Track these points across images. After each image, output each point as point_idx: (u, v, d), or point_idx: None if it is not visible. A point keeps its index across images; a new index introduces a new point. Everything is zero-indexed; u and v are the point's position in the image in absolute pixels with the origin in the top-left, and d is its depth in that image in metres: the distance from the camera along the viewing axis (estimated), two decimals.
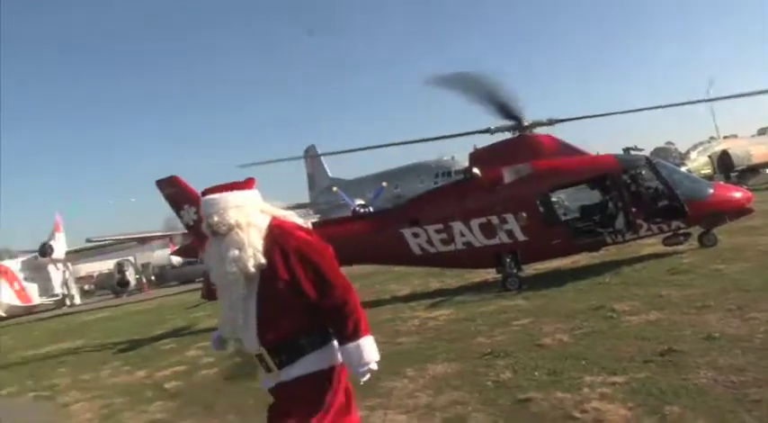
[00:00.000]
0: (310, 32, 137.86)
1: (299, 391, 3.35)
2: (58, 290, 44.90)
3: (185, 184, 15.23)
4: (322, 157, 57.68)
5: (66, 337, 19.97)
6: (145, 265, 50.05)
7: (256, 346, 3.38)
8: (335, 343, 3.43)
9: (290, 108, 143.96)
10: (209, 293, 15.89)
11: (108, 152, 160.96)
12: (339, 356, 3.43)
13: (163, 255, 48.59)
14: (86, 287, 57.49)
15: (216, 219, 3.38)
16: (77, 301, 45.12)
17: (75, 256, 45.07)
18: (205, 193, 3.49)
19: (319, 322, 3.41)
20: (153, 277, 50.15)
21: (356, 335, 3.33)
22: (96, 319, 25.89)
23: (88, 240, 33.75)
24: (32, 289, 43.33)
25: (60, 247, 43.52)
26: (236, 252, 3.32)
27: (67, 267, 45.50)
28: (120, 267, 48.04)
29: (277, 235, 3.39)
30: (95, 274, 63.50)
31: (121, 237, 38.05)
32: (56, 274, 44.87)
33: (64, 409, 9.01)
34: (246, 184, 3.57)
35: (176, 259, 44.40)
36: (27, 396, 10.67)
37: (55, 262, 43.53)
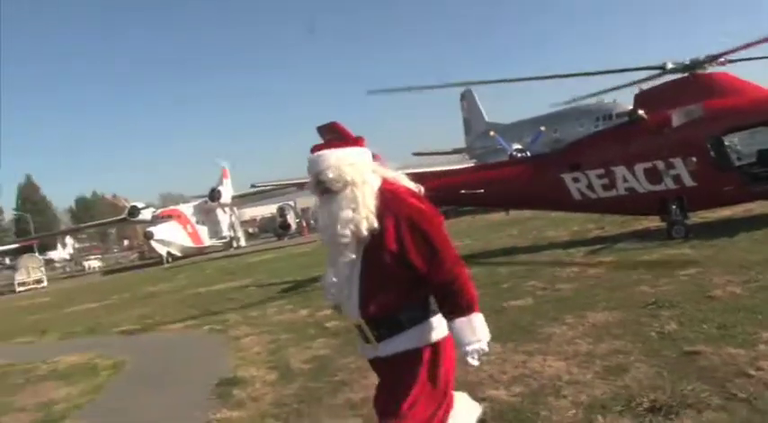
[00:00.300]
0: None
1: (395, 367, 3.24)
2: (226, 232, 48.03)
3: (345, 130, 15.52)
4: (479, 102, 56.95)
5: (234, 277, 21.41)
6: (304, 210, 51.96)
7: (356, 317, 3.25)
8: (437, 320, 3.26)
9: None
10: None
11: (269, 98, 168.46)
12: (440, 334, 3.26)
13: None
14: (250, 230, 60.98)
15: (330, 175, 3.16)
16: (243, 243, 48.07)
17: (240, 200, 47.76)
18: (313, 149, 3.28)
19: (422, 297, 3.25)
20: (312, 221, 52.24)
21: (466, 310, 3.15)
22: (261, 261, 27.41)
23: (253, 186, 35.39)
24: (203, 231, 46.62)
25: (227, 192, 46.31)
26: (350, 212, 3.13)
27: (234, 211, 48.44)
28: (281, 211, 50.28)
29: (389, 199, 3.18)
30: (258, 218, 67.26)
31: (283, 182, 39.61)
32: (223, 218, 47.91)
33: (235, 341, 9.66)
34: (358, 140, 3.38)
35: None
36: (203, 329, 11.53)
37: (222, 206, 46.45)
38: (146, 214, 46.11)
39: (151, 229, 42.56)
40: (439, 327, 3.25)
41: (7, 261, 59.33)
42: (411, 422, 3.14)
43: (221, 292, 17.20)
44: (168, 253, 42.31)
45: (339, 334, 8.74)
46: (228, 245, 46.69)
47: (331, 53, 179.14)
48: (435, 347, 3.24)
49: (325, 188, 3.21)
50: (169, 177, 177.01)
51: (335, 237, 3.16)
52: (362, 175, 3.19)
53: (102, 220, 63.88)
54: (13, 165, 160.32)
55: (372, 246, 3.13)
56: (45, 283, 40.44)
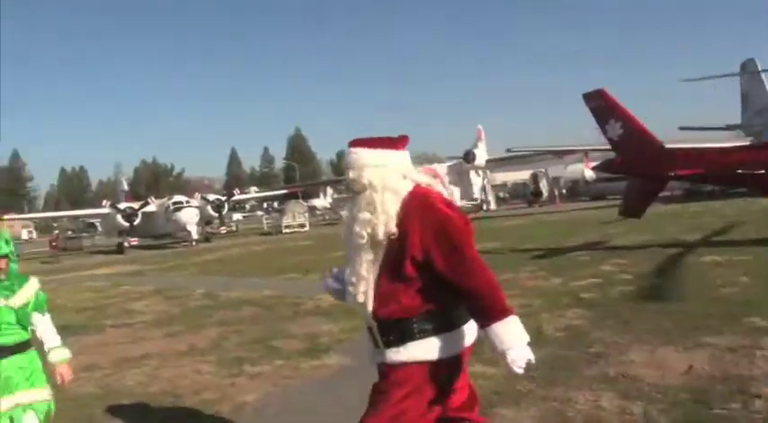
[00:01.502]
0: None
1: (400, 378, 3.05)
2: (477, 194, 48.47)
3: (612, 99, 14.87)
4: (763, 74, 51.07)
5: (485, 239, 21.63)
6: (556, 178, 50.90)
7: (369, 319, 3.13)
8: (454, 334, 3.10)
9: None
10: (628, 210, 15.70)
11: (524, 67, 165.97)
12: (454, 349, 3.09)
13: (575, 169, 48.80)
14: (501, 194, 60.98)
15: (351, 175, 3.14)
16: (493, 206, 48.25)
17: (494, 164, 47.83)
18: (351, 144, 3.22)
19: (441, 306, 3.08)
20: (564, 191, 50.98)
21: (501, 314, 2.97)
22: (510, 226, 27.42)
23: (508, 150, 35.32)
24: (455, 192, 47.54)
25: (482, 155, 46.61)
26: (368, 215, 3.05)
27: (486, 174, 48.70)
28: (534, 178, 49.63)
29: (417, 205, 3.05)
30: (509, 183, 67.13)
31: (539, 149, 39.06)
32: (476, 180, 48.21)
33: None
34: (395, 142, 3.23)
35: (589, 174, 44.26)
36: None
37: (476, 168, 46.79)
38: None
39: None
40: (451, 345, 3.09)
41: (275, 205, 65.62)
42: None
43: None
44: None
45: (595, 306, 8.48)
46: (478, 207, 47.11)
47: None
48: (449, 364, 3.09)
49: (349, 187, 3.21)
50: (424, 137, 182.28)
51: (353, 236, 3.11)
52: (385, 179, 3.08)
53: None
54: (285, 117, 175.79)
55: (393, 250, 3.03)
56: (307, 228, 44.14)
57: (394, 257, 3.00)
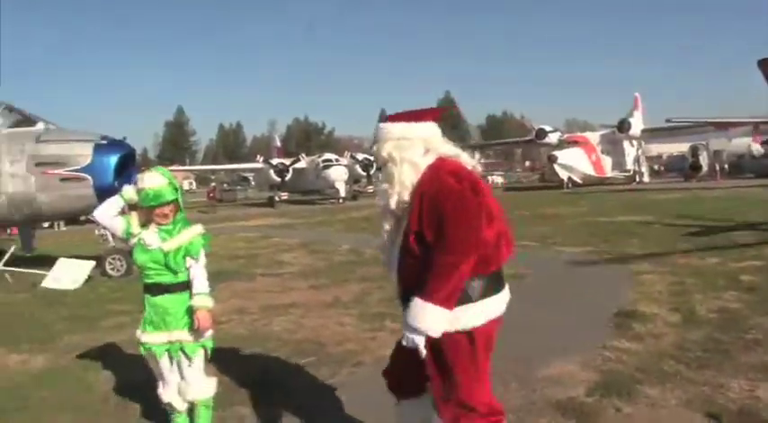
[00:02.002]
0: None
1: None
2: (630, 166, 46.53)
3: None
4: None
5: (635, 211, 20.78)
6: (718, 152, 47.65)
7: (395, 287, 3.23)
8: (469, 306, 3.06)
9: None
10: None
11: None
12: (471, 321, 3.07)
13: (741, 143, 45.44)
14: (655, 167, 58.16)
15: (374, 149, 3.26)
16: (646, 178, 46.21)
17: (650, 134, 45.68)
18: (381, 119, 3.31)
19: None
20: (725, 166, 47.71)
21: (431, 296, 2.92)
22: (665, 199, 26.12)
23: (668, 120, 33.46)
24: (607, 162, 45.84)
25: (637, 125, 44.58)
26: (386, 186, 3.18)
27: (641, 145, 46.51)
28: (694, 151, 46.74)
29: (426, 177, 3.08)
30: (665, 156, 63.83)
31: (700, 120, 36.64)
32: (630, 151, 46.35)
33: (636, 276, 9.41)
34: (421, 114, 3.25)
35: (756, 149, 41.23)
36: (602, 258, 11.50)
37: (630, 138, 44.92)
38: (552, 138, 46.98)
39: (556, 152, 43.32)
40: (462, 317, 3.05)
41: None
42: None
43: (622, 225, 16.85)
44: (569, 178, 42.75)
45: (755, 289, 7.95)
46: (631, 179, 45.37)
47: None
48: (464, 336, 3.08)
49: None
50: (576, 104, 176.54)
51: (378, 206, 3.26)
52: (403, 151, 3.13)
53: (509, 138, 66.90)
54: (434, 79, 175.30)
55: (407, 223, 3.10)
56: None
57: (406, 228, 3.09)
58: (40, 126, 11.77)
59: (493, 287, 3.14)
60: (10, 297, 10.24)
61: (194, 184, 78.04)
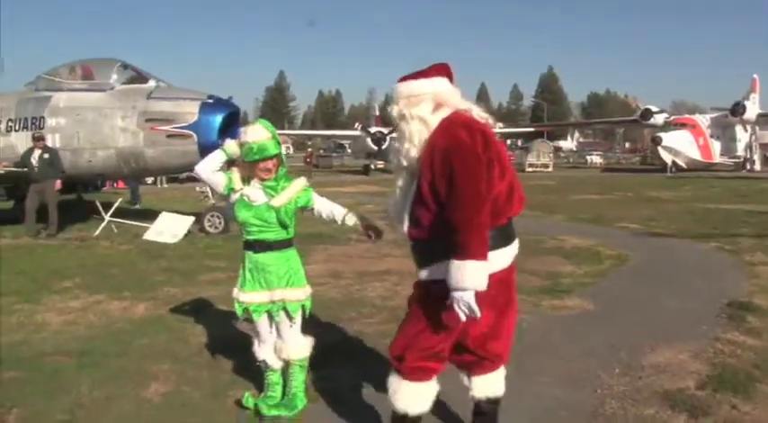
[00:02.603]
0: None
1: (425, 294, 3.23)
2: (740, 152, 44.21)
3: None
4: None
5: (746, 199, 19.71)
6: None
7: (407, 240, 3.30)
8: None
9: None
10: None
11: None
12: (491, 269, 3.07)
13: None
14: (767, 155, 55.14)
15: (388, 109, 3.31)
16: (757, 167, 43.85)
17: (766, 119, 43.06)
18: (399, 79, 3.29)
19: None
20: None
21: (463, 254, 2.93)
22: (762, 189, 24.75)
23: None
24: (715, 146, 43.66)
25: (753, 109, 42.18)
26: (398, 144, 3.26)
27: (755, 131, 44.02)
28: None
29: (438, 132, 3.09)
30: None
31: None
32: (742, 136, 44.10)
33: (750, 267, 8.83)
34: (430, 71, 3.24)
35: None
36: (710, 245, 10.90)
37: (744, 123, 42.62)
38: (658, 119, 45.03)
39: (661, 134, 41.53)
40: (492, 264, 3.06)
41: (519, 143, 64.95)
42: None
43: (732, 213, 15.97)
44: (673, 162, 40.94)
45: None
46: (740, 166, 43.13)
47: None
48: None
49: None
50: (685, 85, 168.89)
51: (392, 164, 3.37)
52: (413, 108, 3.16)
53: (611, 117, 64.61)
54: (538, 54, 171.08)
55: (419, 175, 3.13)
56: (550, 169, 43.30)
57: (419, 182, 3.11)
58: (151, 83, 12.07)
59: (501, 240, 3.18)
60: (114, 247, 10.61)
61: (291, 148, 79.23)
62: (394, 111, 3.22)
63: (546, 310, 6.62)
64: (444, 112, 3.13)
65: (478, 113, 3.19)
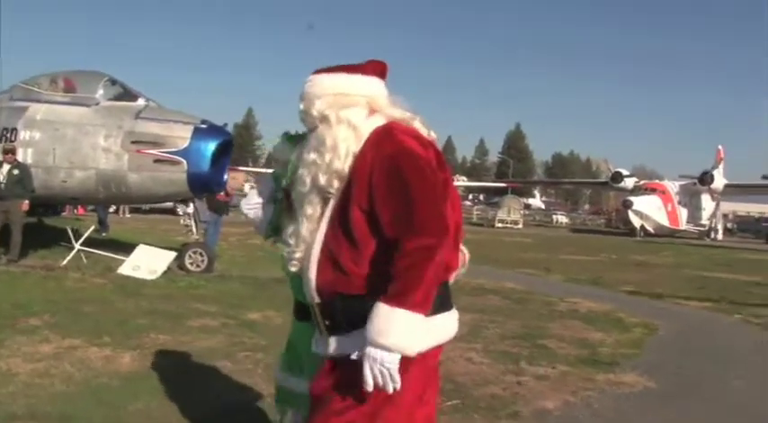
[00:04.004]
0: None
1: (346, 379, 2.19)
2: (705, 220, 44.70)
3: None
4: None
5: (730, 269, 19.33)
6: None
7: (313, 293, 2.28)
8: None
9: None
10: None
11: None
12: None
13: None
14: (728, 225, 56.16)
15: (301, 106, 2.38)
16: (720, 236, 44.48)
17: (733, 190, 43.75)
18: (315, 72, 2.44)
19: None
20: None
21: (400, 298, 2.06)
22: (756, 259, 24.74)
23: (765, 177, 31.73)
24: (682, 213, 44.06)
25: (720, 179, 42.80)
26: (313, 156, 2.29)
27: (718, 201, 44.67)
28: None
29: (374, 140, 2.25)
30: (731, 215, 61.75)
31: None
32: (707, 205, 44.68)
33: None
34: (364, 67, 2.43)
35: None
36: (732, 316, 10.27)
37: (712, 193, 43.17)
38: (628, 182, 45.40)
39: (632, 198, 41.70)
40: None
41: (481, 197, 64.92)
42: None
43: (730, 282, 15.48)
44: (642, 227, 41.03)
45: None
46: (704, 234, 43.55)
47: None
48: (416, 362, 2.16)
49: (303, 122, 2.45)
50: (645, 151, 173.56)
51: (296, 184, 2.37)
52: (341, 110, 2.31)
53: (574, 178, 65.10)
54: (506, 111, 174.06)
55: (341, 201, 2.24)
56: (521, 226, 42.96)
57: (341, 210, 2.24)
58: (140, 102, 11.01)
59: (447, 300, 2.36)
60: (86, 280, 9.37)
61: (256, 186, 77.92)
62: (313, 109, 2.34)
63: (604, 387, 5.72)
64: (378, 120, 2.33)
65: (421, 126, 2.38)
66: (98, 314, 7.25)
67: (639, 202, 41.07)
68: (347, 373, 2.17)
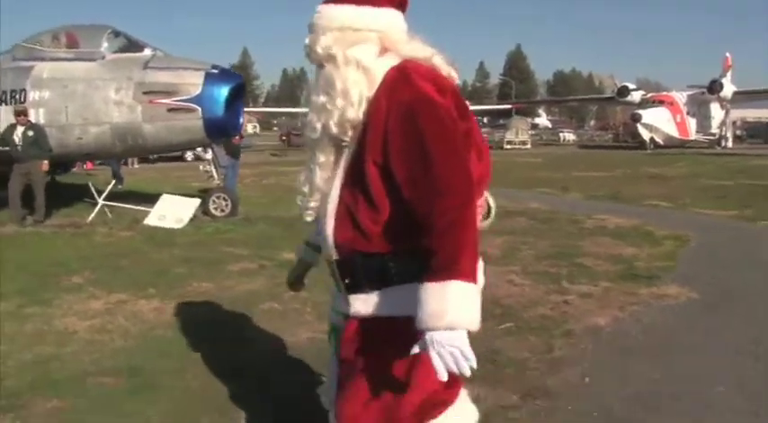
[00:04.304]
0: None
1: (369, 339, 2.00)
2: (715, 129, 44.39)
3: None
4: None
5: (746, 176, 19.28)
6: None
7: (329, 249, 2.05)
8: None
9: None
10: None
11: None
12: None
13: None
14: (737, 132, 55.65)
15: (306, 41, 2.07)
16: (730, 144, 44.11)
17: (742, 97, 43.25)
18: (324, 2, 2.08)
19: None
20: None
21: (447, 271, 1.76)
22: (755, 166, 24.62)
23: None
24: (691, 124, 43.70)
25: (729, 87, 42.21)
26: (323, 99, 2.00)
27: (727, 108, 44.18)
28: None
29: (389, 82, 1.94)
30: (738, 121, 61.09)
31: None
32: (717, 114, 44.30)
33: None
34: None
35: None
36: (759, 224, 10.25)
37: (721, 101, 42.67)
38: (635, 96, 44.97)
39: (640, 111, 41.34)
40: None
41: (484, 120, 64.29)
42: None
43: (749, 188, 15.45)
44: (651, 139, 40.78)
45: None
46: (714, 143, 43.27)
47: None
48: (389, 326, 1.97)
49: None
50: (648, 62, 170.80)
51: (306, 129, 2.10)
52: (349, 46, 1.99)
53: (577, 95, 64.27)
54: (505, 32, 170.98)
55: (356, 152, 1.99)
56: (529, 146, 42.85)
57: (355, 163, 1.99)
58: (147, 52, 10.80)
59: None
60: (114, 234, 9.39)
61: (258, 127, 77.87)
62: (317, 45, 2.04)
63: (649, 300, 5.77)
64: (391, 60, 2.03)
65: (441, 64, 2.07)
66: (135, 267, 7.30)
67: (648, 115, 40.73)
68: (371, 336, 2.01)
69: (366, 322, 2.01)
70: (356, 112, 1.96)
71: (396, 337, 1.92)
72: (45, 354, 4.50)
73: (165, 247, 8.46)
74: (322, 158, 2.07)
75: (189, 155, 26.46)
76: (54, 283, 6.47)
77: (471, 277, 1.79)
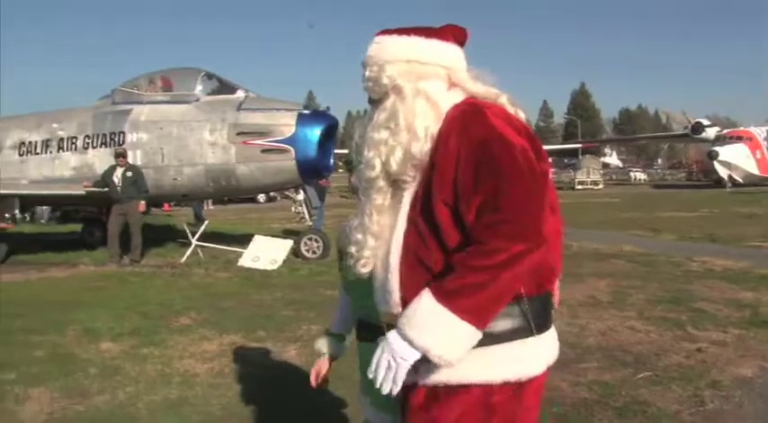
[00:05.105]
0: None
1: (439, 413, 1.76)
2: None
3: None
4: None
5: None
6: None
7: (388, 308, 1.80)
8: (529, 343, 1.76)
9: None
10: None
11: None
12: (522, 370, 1.75)
13: None
14: None
15: (366, 73, 1.88)
16: None
17: None
18: (378, 34, 1.94)
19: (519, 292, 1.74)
20: None
21: (455, 299, 1.61)
22: None
23: None
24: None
25: None
26: (385, 135, 1.81)
27: None
28: None
29: (457, 117, 1.76)
30: None
31: None
32: None
33: None
34: (443, 31, 1.91)
35: None
36: None
37: None
38: (709, 133, 43.64)
39: (717, 148, 40.00)
40: (527, 358, 1.76)
41: (550, 160, 63.47)
42: None
43: None
44: (729, 177, 39.38)
45: None
46: None
47: None
48: (505, 391, 1.74)
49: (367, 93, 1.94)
50: (717, 98, 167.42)
51: (362, 168, 1.87)
52: (419, 80, 1.82)
53: (642, 133, 62.85)
54: (569, 72, 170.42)
55: (421, 193, 1.77)
56: (601, 186, 41.98)
57: (421, 204, 1.77)
58: (240, 93, 11.04)
59: (547, 316, 1.86)
60: (212, 275, 9.48)
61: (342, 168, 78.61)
62: (383, 77, 1.85)
63: None
64: (457, 97, 1.87)
65: (508, 104, 1.88)
66: (239, 308, 7.29)
67: (726, 152, 39.38)
68: (441, 404, 1.77)
69: (435, 390, 1.77)
70: (421, 148, 1.78)
71: (476, 409, 1.74)
72: (173, 398, 4.44)
73: (264, 288, 8.47)
74: (379, 201, 1.86)
75: (261, 197, 26.79)
76: (164, 325, 6.48)
77: (473, 319, 1.63)
